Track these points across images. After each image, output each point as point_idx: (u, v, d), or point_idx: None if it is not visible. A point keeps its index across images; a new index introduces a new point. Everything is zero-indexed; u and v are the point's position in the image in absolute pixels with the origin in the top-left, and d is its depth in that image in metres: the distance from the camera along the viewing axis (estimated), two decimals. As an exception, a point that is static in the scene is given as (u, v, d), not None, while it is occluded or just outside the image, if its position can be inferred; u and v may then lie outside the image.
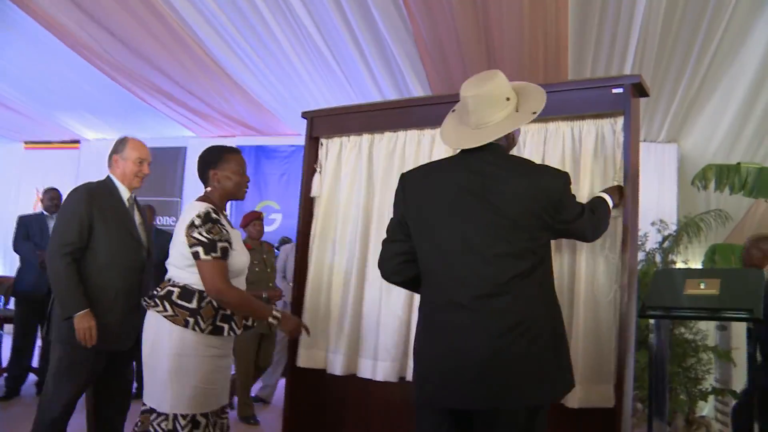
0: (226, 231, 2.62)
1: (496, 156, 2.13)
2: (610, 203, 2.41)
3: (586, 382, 2.57)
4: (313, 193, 3.43)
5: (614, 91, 2.65)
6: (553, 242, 2.28)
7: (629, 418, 2.57)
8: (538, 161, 2.91)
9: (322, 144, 3.48)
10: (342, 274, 3.27)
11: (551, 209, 2.07)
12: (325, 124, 3.47)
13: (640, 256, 5.02)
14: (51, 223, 5.74)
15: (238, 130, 8.49)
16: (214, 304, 2.57)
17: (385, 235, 2.30)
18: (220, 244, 2.53)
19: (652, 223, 5.31)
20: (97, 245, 3.01)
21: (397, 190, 2.25)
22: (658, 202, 6.59)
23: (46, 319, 3.16)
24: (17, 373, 5.57)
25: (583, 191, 2.65)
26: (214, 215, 2.59)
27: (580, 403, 2.57)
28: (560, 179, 2.12)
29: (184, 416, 2.52)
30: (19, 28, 6.23)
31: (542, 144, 2.88)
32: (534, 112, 2.17)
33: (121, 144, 3.24)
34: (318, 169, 3.45)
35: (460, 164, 2.16)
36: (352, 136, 3.37)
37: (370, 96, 6.45)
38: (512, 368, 1.97)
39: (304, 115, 3.54)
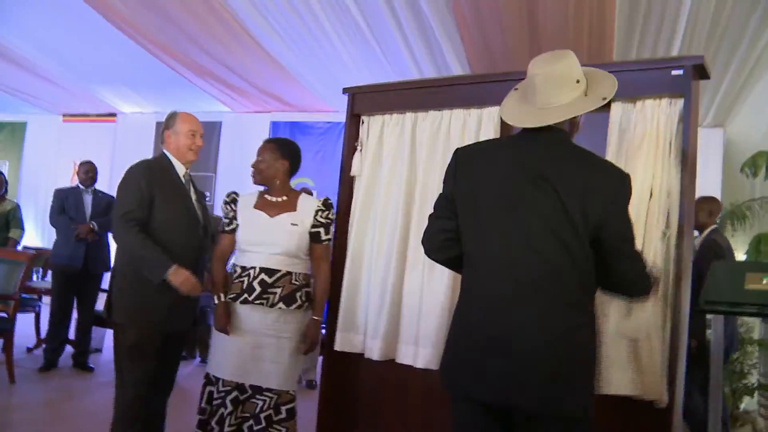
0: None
1: (557, 140, 2.01)
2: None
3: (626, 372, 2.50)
4: (354, 172, 3.37)
5: (674, 72, 2.53)
6: None
7: (680, 415, 2.48)
8: (588, 146, 2.82)
9: (363, 121, 3.40)
10: (382, 256, 3.20)
11: (600, 210, 1.89)
12: (366, 101, 3.40)
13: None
14: (87, 197, 5.77)
15: (273, 106, 8.44)
16: None
17: (427, 216, 2.21)
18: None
19: (696, 211, 5.15)
20: (155, 222, 2.97)
21: (449, 165, 2.14)
22: (702, 189, 6.39)
23: (105, 301, 3.14)
24: (55, 345, 5.64)
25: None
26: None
27: (629, 391, 2.49)
28: (621, 180, 1.96)
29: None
30: (59, 3, 6.24)
31: (593, 127, 2.77)
32: (604, 98, 2.03)
33: (171, 119, 3.18)
34: (359, 148, 3.37)
35: (518, 145, 2.05)
36: (394, 114, 3.28)
37: (408, 73, 6.34)
38: (563, 370, 1.86)
39: (346, 91, 3.46)
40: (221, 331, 3.00)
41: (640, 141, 2.58)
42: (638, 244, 2.50)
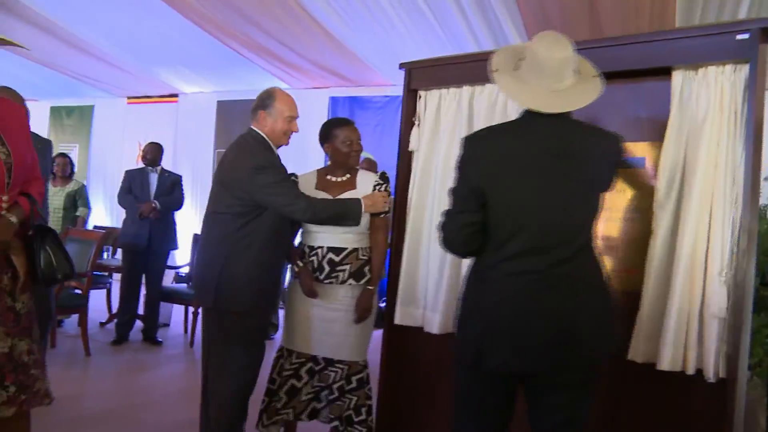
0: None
1: (569, 119, 2.17)
2: None
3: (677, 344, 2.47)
4: (412, 147, 3.36)
5: (739, 37, 2.42)
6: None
7: (743, 391, 2.43)
8: (648, 116, 2.76)
9: (420, 96, 3.38)
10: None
11: (612, 174, 2.19)
12: (423, 75, 3.37)
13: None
14: (152, 176, 5.94)
15: (331, 81, 8.45)
16: None
17: None
18: None
19: (765, 178, 4.95)
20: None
21: (463, 156, 2.19)
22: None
23: (204, 290, 3.03)
24: (125, 320, 5.86)
25: (701, 148, 2.47)
26: None
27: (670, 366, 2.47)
28: (621, 142, 2.22)
29: None
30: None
31: (654, 97, 2.71)
32: (596, 76, 2.24)
33: (268, 98, 3.03)
34: (416, 122, 3.36)
35: (535, 127, 2.15)
36: (451, 88, 3.24)
37: (465, 46, 6.26)
38: (584, 327, 2.08)
39: (402, 65, 3.45)
40: (310, 293, 3.07)
41: (704, 110, 2.50)
42: (705, 217, 2.46)
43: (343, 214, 2.92)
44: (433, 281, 3.21)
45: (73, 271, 2.69)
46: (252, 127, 3.04)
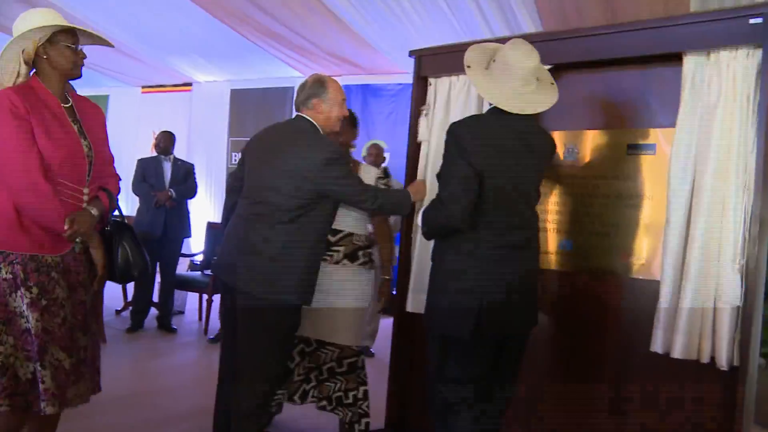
0: None
1: (530, 116, 2.53)
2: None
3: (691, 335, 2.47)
4: (420, 137, 3.35)
5: (751, 21, 2.39)
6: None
7: (754, 379, 2.42)
8: (659, 102, 2.75)
9: (430, 84, 3.37)
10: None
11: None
12: (433, 62, 3.36)
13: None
14: (166, 165, 5.97)
15: (344, 69, 8.43)
16: None
17: None
18: None
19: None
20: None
21: (462, 141, 2.42)
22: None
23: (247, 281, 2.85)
24: (140, 308, 5.91)
25: (713, 134, 2.45)
26: None
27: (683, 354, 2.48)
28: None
29: None
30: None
31: (665, 83, 2.69)
32: (552, 83, 2.62)
33: (320, 86, 2.90)
34: (425, 112, 3.34)
35: (509, 121, 2.46)
36: (462, 76, 3.21)
37: (478, 33, 6.21)
38: (535, 296, 2.62)
39: (412, 53, 3.44)
40: None
41: (716, 97, 2.47)
42: (718, 204, 2.44)
43: (399, 203, 2.94)
44: None
45: (147, 268, 2.70)
46: (303, 115, 2.90)
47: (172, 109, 9.70)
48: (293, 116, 2.97)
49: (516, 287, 2.48)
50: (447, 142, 2.48)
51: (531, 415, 3.00)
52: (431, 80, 3.36)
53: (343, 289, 3.12)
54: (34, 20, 2.37)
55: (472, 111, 3.16)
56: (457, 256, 2.49)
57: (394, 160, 7.87)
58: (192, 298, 6.61)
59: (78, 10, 7.03)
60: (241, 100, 9.20)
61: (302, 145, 2.80)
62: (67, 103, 2.47)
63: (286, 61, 8.25)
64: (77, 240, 2.42)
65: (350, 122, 3.24)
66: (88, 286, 2.52)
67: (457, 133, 2.46)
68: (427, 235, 2.64)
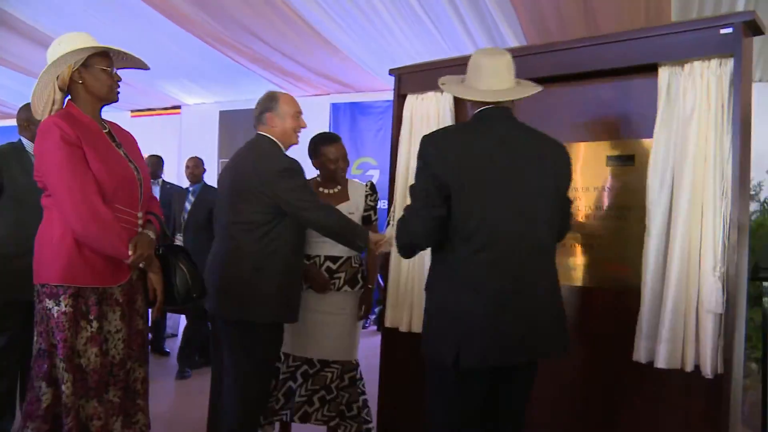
0: None
1: (515, 120, 2.32)
2: None
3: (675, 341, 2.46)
4: (403, 152, 3.37)
5: (723, 31, 2.43)
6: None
7: (740, 385, 2.42)
8: (636, 113, 2.77)
9: (409, 101, 3.39)
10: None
11: (565, 176, 2.36)
12: (413, 80, 3.39)
13: (755, 206, 4.71)
14: (155, 189, 5.97)
15: (332, 88, 8.49)
16: None
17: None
18: None
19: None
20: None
21: (426, 154, 2.23)
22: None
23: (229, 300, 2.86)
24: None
25: (690, 143, 2.47)
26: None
27: (667, 364, 2.47)
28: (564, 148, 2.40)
29: None
30: (121, 6, 6.43)
31: (641, 94, 2.71)
32: (532, 82, 2.43)
33: (272, 101, 2.94)
34: (408, 128, 3.37)
35: (488, 126, 2.28)
36: (440, 93, 3.24)
37: (463, 47, 6.26)
38: (552, 323, 2.25)
39: (392, 71, 3.48)
40: (325, 285, 3.15)
41: (691, 106, 2.49)
42: (697, 212, 2.46)
43: (351, 239, 2.90)
44: (417, 284, 3.23)
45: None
46: (260, 132, 2.96)
47: (162, 132, 9.71)
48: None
49: (512, 309, 2.16)
50: (417, 155, 2.31)
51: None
52: (412, 97, 3.39)
53: (344, 310, 3.22)
54: (67, 44, 2.32)
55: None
56: (439, 275, 2.29)
57: (384, 176, 7.90)
58: (184, 320, 6.58)
59: (60, 33, 7.04)
60: (230, 121, 9.23)
61: (257, 160, 2.86)
62: (105, 129, 2.43)
63: (273, 81, 8.28)
64: (138, 266, 2.35)
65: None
66: (145, 315, 2.46)
67: (422, 144, 2.27)
68: (400, 253, 2.45)
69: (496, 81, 2.29)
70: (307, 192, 2.82)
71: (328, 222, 2.81)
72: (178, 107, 9.84)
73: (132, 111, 10.18)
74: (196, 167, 5.62)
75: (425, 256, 3.14)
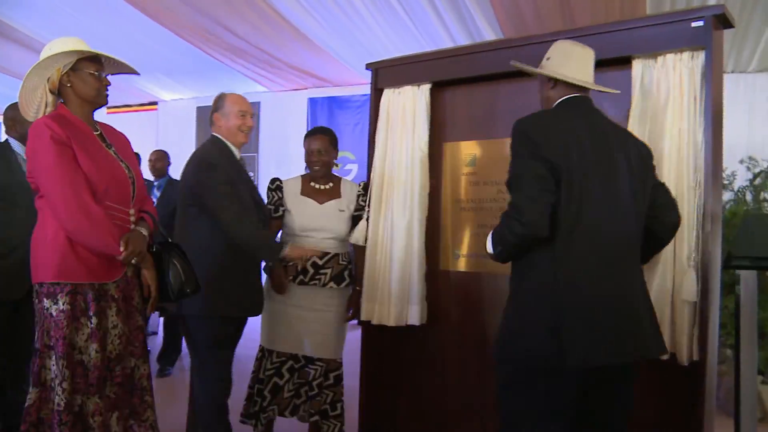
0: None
1: (600, 111, 2.26)
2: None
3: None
4: (379, 146, 3.38)
5: (694, 24, 2.47)
6: None
7: (714, 372, 2.46)
8: (611, 105, 2.79)
9: (387, 95, 3.39)
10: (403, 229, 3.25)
11: (651, 172, 2.25)
12: (390, 74, 3.40)
13: (728, 195, 4.77)
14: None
15: (309, 82, 8.47)
16: None
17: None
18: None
19: (741, 161, 5.02)
20: None
21: (530, 137, 2.08)
22: (749, 138, 6.20)
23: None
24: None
25: (665, 134, 2.50)
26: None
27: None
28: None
29: None
30: (95, 1, 6.37)
31: (615, 86, 2.74)
32: None
33: (220, 100, 3.07)
34: (385, 122, 3.37)
35: (581, 111, 2.22)
36: (421, 85, 3.26)
37: (440, 41, 6.27)
38: (651, 322, 2.15)
39: (369, 66, 3.48)
40: (279, 288, 3.16)
41: (665, 98, 2.54)
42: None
43: (258, 246, 2.88)
44: (388, 276, 3.25)
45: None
46: (212, 132, 3.07)
47: (139, 129, 9.59)
48: None
49: (616, 305, 2.05)
50: (514, 141, 2.13)
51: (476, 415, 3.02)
52: (389, 91, 3.39)
53: (329, 307, 3.22)
54: (55, 47, 2.35)
55: (424, 120, 3.23)
56: (532, 267, 2.11)
57: (363, 170, 7.90)
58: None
59: (34, 30, 6.97)
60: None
61: (192, 156, 2.99)
62: (96, 131, 2.46)
63: (251, 76, 8.25)
64: (132, 262, 2.36)
65: (331, 141, 3.30)
66: (143, 311, 2.48)
67: (522, 128, 2.11)
68: (502, 256, 2.20)
69: (587, 72, 2.26)
70: (226, 188, 2.83)
71: (237, 225, 2.79)
72: (155, 103, 9.77)
73: (108, 108, 10.03)
74: (158, 161, 5.45)
75: (400, 246, 3.18)
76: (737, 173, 4.95)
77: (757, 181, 5.02)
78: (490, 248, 2.21)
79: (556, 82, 2.26)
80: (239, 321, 3.01)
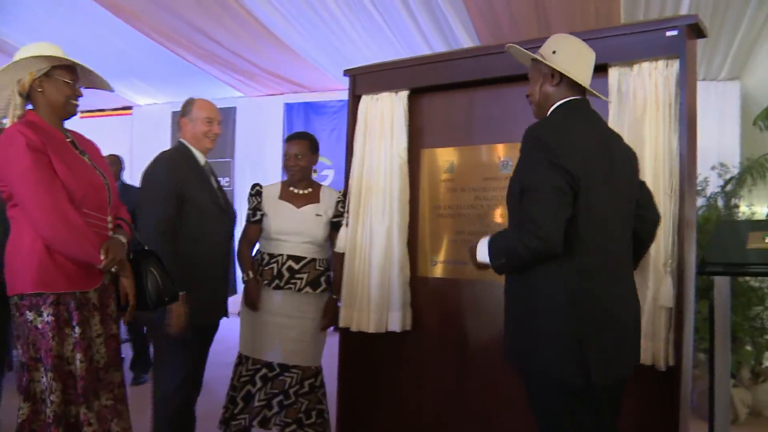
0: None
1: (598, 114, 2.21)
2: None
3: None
4: (357, 152, 3.37)
5: (668, 33, 2.52)
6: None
7: (689, 376, 2.49)
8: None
9: (364, 101, 3.40)
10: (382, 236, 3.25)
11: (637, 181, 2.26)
12: (368, 81, 3.41)
13: (701, 201, 4.84)
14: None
15: (285, 88, 8.44)
16: None
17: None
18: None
19: (713, 168, 5.10)
20: (186, 216, 2.84)
21: (549, 146, 1.97)
22: (720, 144, 6.29)
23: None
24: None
25: (643, 143, 2.53)
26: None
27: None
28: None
29: None
30: (68, 3, 6.29)
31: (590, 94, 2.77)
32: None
33: (187, 106, 3.06)
34: (363, 128, 3.37)
35: (588, 115, 2.15)
36: (399, 92, 3.27)
37: (416, 48, 6.28)
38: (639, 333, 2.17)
39: (347, 72, 3.48)
40: (251, 306, 3.14)
41: (642, 105, 2.57)
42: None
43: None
44: (367, 282, 3.26)
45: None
46: (179, 139, 3.07)
47: (113, 134, 9.49)
48: None
49: (625, 322, 2.05)
50: (530, 149, 2.02)
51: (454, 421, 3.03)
52: (367, 97, 3.39)
53: (307, 314, 3.20)
54: (32, 50, 2.31)
55: (402, 127, 3.24)
56: (546, 282, 2.01)
57: (339, 176, 7.90)
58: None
59: (9, 35, 6.88)
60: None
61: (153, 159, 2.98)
62: (68, 138, 2.41)
63: (226, 81, 8.21)
64: (111, 270, 2.32)
65: (310, 147, 3.29)
66: (118, 319, 2.44)
67: (539, 135, 2.01)
68: (505, 268, 2.11)
69: (589, 74, 2.16)
70: (150, 213, 2.79)
71: (154, 236, 2.71)
72: (129, 108, 9.67)
73: (81, 112, 9.91)
74: (111, 165, 5.42)
75: (378, 252, 3.18)
76: (709, 179, 5.03)
77: (729, 187, 5.10)
78: (485, 258, 2.12)
79: (561, 79, 2.13)
80: (200, 327, 2.91)
